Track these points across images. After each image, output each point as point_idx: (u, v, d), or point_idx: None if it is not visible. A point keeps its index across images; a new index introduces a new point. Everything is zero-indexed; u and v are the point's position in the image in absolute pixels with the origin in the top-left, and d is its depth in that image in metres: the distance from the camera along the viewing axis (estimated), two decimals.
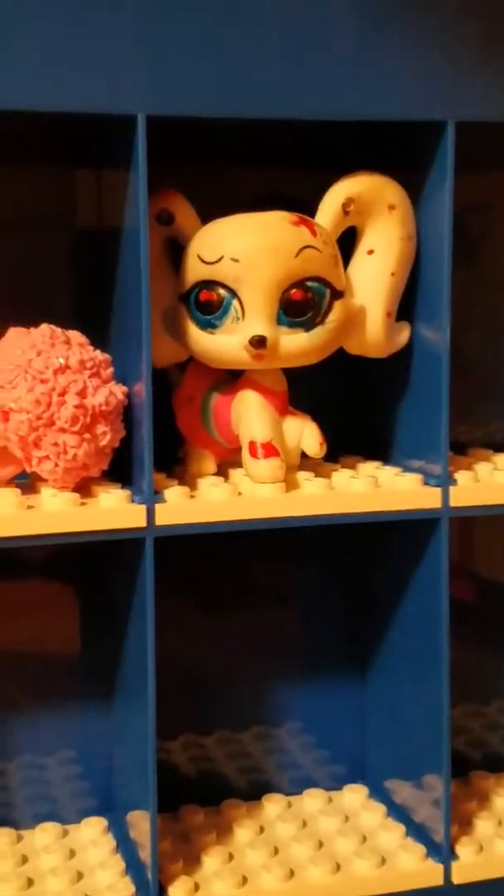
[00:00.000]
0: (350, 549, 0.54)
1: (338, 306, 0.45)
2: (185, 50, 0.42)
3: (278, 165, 0.51)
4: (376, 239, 0.46)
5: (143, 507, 0.43)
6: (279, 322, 0.44)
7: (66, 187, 0.50)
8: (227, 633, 0.55)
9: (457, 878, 0.47)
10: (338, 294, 0.45)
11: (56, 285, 0.51)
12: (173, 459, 0.50)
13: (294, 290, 0.44)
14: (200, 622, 0.54)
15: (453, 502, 0.46)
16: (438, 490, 0.46)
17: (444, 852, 0.48)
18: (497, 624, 0.59)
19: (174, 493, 0.44)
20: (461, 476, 0.47)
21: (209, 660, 0.54)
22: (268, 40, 0.43)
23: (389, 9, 0.44)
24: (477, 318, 0.56)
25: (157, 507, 0.43)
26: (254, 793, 0.54)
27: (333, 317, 0.45)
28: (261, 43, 0.43)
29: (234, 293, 0.44)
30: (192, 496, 0.45)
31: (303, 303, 0.44)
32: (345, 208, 0.45)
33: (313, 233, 0.44)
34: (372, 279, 0.47)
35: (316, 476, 0.47)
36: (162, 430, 0.48)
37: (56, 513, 0.42)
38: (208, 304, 0.45)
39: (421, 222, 0.47)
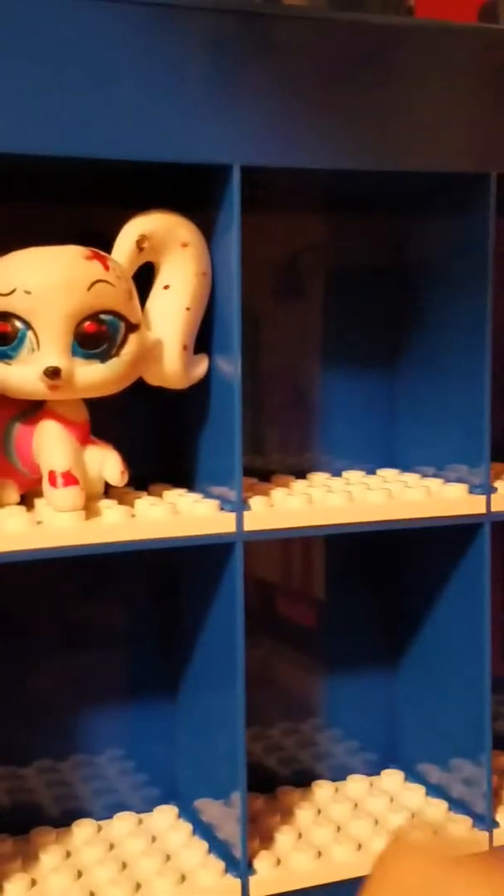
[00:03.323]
0: (153, 575, 0.56)
1: (133, 339, 0.47)
2: None
3: (85, 203, 0.53)
4: (171, 275, 0.48)
5: None
6: (74, 353, 0.45)
7: None
8: (39, 663, 0.55)
9: (254, 893, 0.49)
10: (133, 327, 0.47)
11: None
12: None
13: (88, 323, 0.45)
14: (10, 650, 0.54)
15: (247, 527, 0.49)
16: (233, 515, 0.48)
17: (241, 867, 0.49)
18: (312, 643, 0.62)
19: None
20: (255, 501, 0.50)
21: (14, 690, 0.55)
22: (64, 81, 0.44)
23: (181, 58, 0.46)
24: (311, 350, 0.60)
25: None
26: (66, 819, 0.55)
27: (129, 349, 0.46)
28: (55, 83, 0.44)
29: (28, 325, 0.45)
30: None
31: (97, 335, 0.45)
32: (139, 245, 0.47)
33: (106, 267, 0.45)
34: (168, 313, 0.48)
35: (120, 504, 0.49)
36: None
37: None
38: (4, 336, 0.45)
39: (214, 259, 0.49)
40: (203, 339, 0.50)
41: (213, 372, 0.50)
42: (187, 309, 0.49)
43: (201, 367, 0.50)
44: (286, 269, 0.59)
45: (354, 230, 0.60)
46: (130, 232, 0.47)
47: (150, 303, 0.49)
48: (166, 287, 0.48)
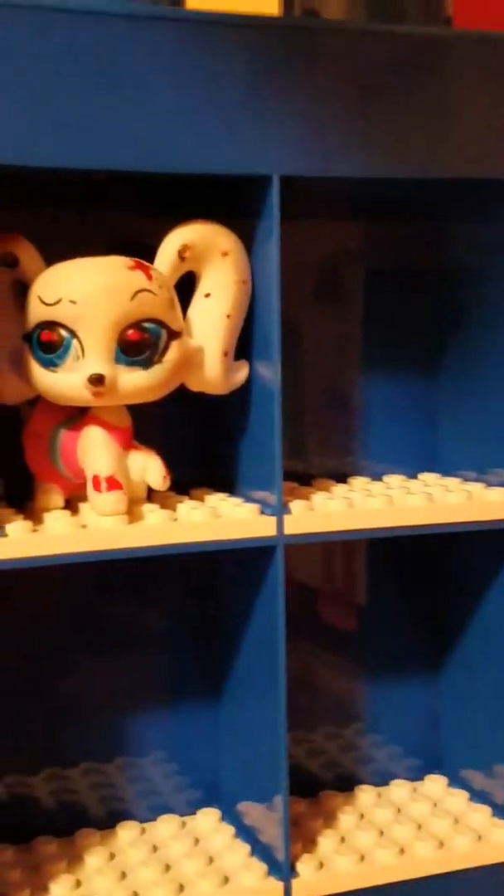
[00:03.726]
0: (195, 579, 0.56)
1: (175, 346, 0.47)
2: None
3: (128, 213, 0.54)
4: (212, 283, 0.49)
5: None
6: (117, 361, 0.46)
7: None
8: (82, 666, 0.56)
9: (296, 895, 0.49)
10: (175, 334, 0.47)
11: None
12: (24, 495, 0.51)
13: (131, 331, 0.46)
14: (54, 653, 0.55)
15: (288, 530, 0.49)
16: (273, 519, 0.49)
17: (284, 870, 0.49)
18: (353, 647, 0.62)
19: (16, 528, 0.45)
20: (296, 505, 0.50)
21: (58, 693, 0.55)
22: (106, 95, 0.45)
23: (221, 70, 0.47)
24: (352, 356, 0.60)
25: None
26: (110, 821, 0.55)
27: (171, 356, 0.47)
28: (97, 97, 0.45)
29: (73, 333, 0.46)
30: (34, 530, 0.46)
31: (139, 343, 0.46)
32: (180, 254, 0.48)
33: (149, 277, 0.46)
34: (209, 321, 0.49)
35: (162, 508, 0.49)
36: (11, 466, 0.50)
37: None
38: (49, 344, 0.46)
39: (254, 267, 0.50)
40: (243, 346, 0.51)
41: (253, 378, 0.51)
42: (228, 316, 0.49)
43: (242, 373, 0.51)
44: (325, 276, 0.60)
45: (392, 235, 0.60)
46: (172, 242, 0.48)
47: (191, 311, 0.50)
48: (207, 295, 0.49)
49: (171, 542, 0.47)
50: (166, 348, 0.47)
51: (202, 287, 0.50)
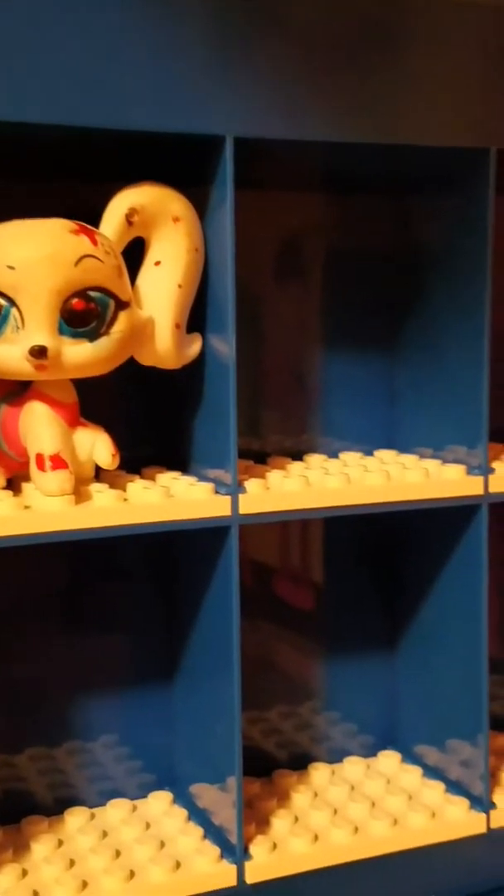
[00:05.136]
0: (149, 560, 0.55)
1: (123, 317, 0.45)
2: None
3: (74, 180, 0.51)
4: (163, 250, 0.47)
5: None
6: (61, 332, 0.44)
7: None
8: (30, 649, 0.54)
9: (250, 878, 0.48)
10: (123, 304, 0.45)
11: None
12: None
13: (75, 300, 0.43)
14: (1, 636, 0.53)
15: (243, 510, 0.47)
16: (228, 498, 0.47)
17: (237, 853, 0.49)
18: (310, 626, 0.61)
19: None
20: (251, 484, 0.48)
21: (6, 676, 0.54)
22: (55, 50, 0.42)
23: (174, 26, 0.44)
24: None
25: None
26: (58, 808, 0.54)
27: (119, 327, 0.45)
28: (48, 51, 0.42)
29: (12, 302, 0.43)
30: None
31: (85, 313, 0.44)
32: (128, 219, 0.45)
33: (94, 242, 0.44)
34: (160, 290, 0.47)
35: (111, 488, 0.47)
36: None
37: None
38: None
39: (208, 236, 0.47)
40: (198, 319, 0.49)
41: (207, 352, 0.49)
42: (179, 286, 0.47)
43: (195, 346, 0.49)
44: (285, 250, 0.58)
45: (355, 211, 0.58)
46: (119, 205, 0.45)
47: (140, 280, 0.47)
48: (157, 263, 0.47)
49: (121, 523, 0.45)
50: (114, 319, 0.45)
51: (152, 255, 0.47)
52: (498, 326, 0.52)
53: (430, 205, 0.55)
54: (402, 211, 0.58)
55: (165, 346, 0.48)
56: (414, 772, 0.58)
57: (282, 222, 0.57)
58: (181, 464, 0.52)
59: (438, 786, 0.56)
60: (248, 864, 0.49)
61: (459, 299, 0.53)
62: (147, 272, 0.47)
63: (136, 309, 0.46)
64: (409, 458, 0.56)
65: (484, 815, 0.54)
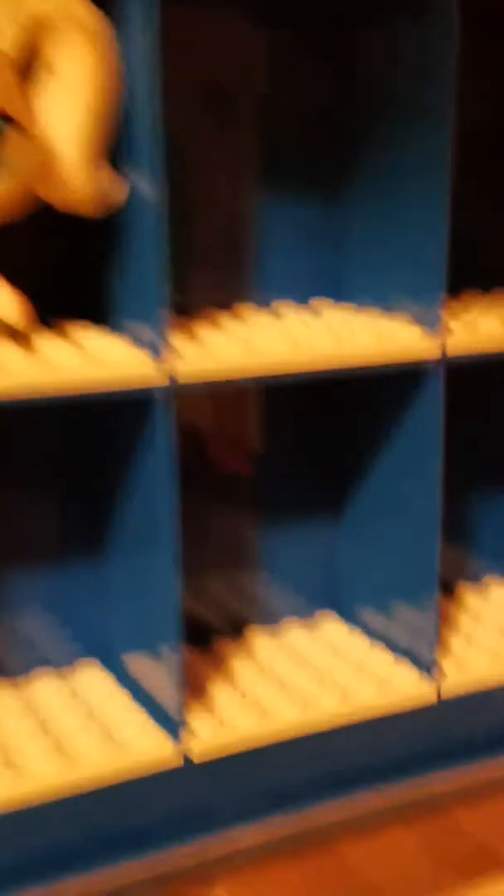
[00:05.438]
0: (75, 426, 0.50)
1: (16, 140, 0.37)
2: None
3: None
4: (68, 65, 0.39)
5: None
6: None
7: None
8: None
9: (197, 758, 0.47)
10: (16, 125, 0.37)
11: None
12: None
13: None
14: None
15: (182, 378, 0.42)
16: (163, 365, 0.42)
17: (175, 727, 0.46)
18: (250, 493, 0.57)
19: None
20: (187, 348, 0.43)
21: None
22: None
23: None
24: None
25: None
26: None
27: (12, 151, 0.37)
28: None
29: None
30: None
31: None
32: (24, 23, 0.37)
33: None
34: (65, 113, 0.39)
35: (23, 349, 0.41)
36: None
37: None
38: None
39: (128, 60, 0.40)
40: (120, 160, 0.42)
41: (132, 196, 0.42)
42: (89, 109, 0.40)
43: (115, 189, 0.42)
44: (218, 84, 0.50)
45: (297, 45, 0.50)
46: (13, 5, 0.37)
47: (40, 99, 0.39)
48: (60, 79, 0.39)
49: (33, 395, 0.40)
50: (4, 142, 0.37)
51: (55, 68, 0.39)
52: (459, 163, 0.46)
53: (376, 42, 0.48)
54: (348, 49, 0.50)
55: (77, 182, 0.41)
56: (360, 638, 0.57)
57: (214, 54, 0.49)
58: (98, 318, 0.46)
59: (386, 654, 0.54)
60: (192, 742, 0.47)
61: (405, 142, 0.47)
62: (49, 93, 0.39)
63: (35, 134, 0.39)
64: (352, 313, 0.51)
65: (434, 685, 0.53)
